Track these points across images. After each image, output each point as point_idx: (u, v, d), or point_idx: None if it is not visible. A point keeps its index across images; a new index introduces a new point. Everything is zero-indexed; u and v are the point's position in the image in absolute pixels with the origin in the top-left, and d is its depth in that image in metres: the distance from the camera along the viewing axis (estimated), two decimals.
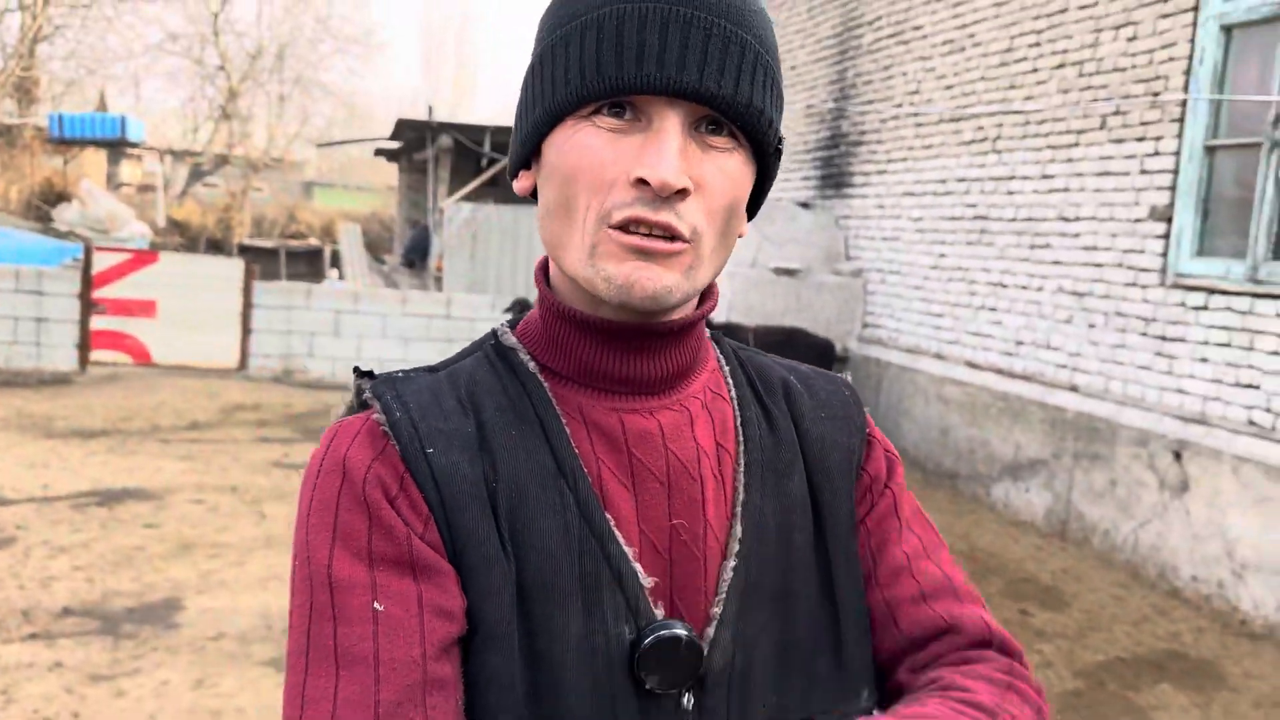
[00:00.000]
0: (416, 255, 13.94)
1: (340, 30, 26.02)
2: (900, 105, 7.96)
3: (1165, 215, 5.37)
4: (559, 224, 0.75)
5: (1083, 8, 6.03)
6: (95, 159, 22.05)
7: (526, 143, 0.77)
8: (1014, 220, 6.57)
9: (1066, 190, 6.11)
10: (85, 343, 9.20)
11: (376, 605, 0.69)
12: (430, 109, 15.12)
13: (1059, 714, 3.74)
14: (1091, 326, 5.86)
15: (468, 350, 0.85)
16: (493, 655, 0.72)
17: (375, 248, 20.39)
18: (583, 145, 0.72)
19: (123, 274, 9.29)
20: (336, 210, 25.02)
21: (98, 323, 9.23)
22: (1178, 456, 5.09)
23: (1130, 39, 5.64)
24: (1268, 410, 4.71)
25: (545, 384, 0.79)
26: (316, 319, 9.81)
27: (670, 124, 0.70)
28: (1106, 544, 5.54)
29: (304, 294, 9.92)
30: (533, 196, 0.80)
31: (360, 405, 0.79)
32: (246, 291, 9.58)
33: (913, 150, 7.77)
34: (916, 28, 7.81)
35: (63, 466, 6.44)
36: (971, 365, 6.89)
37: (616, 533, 0.75)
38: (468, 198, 12.32)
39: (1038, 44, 6.42)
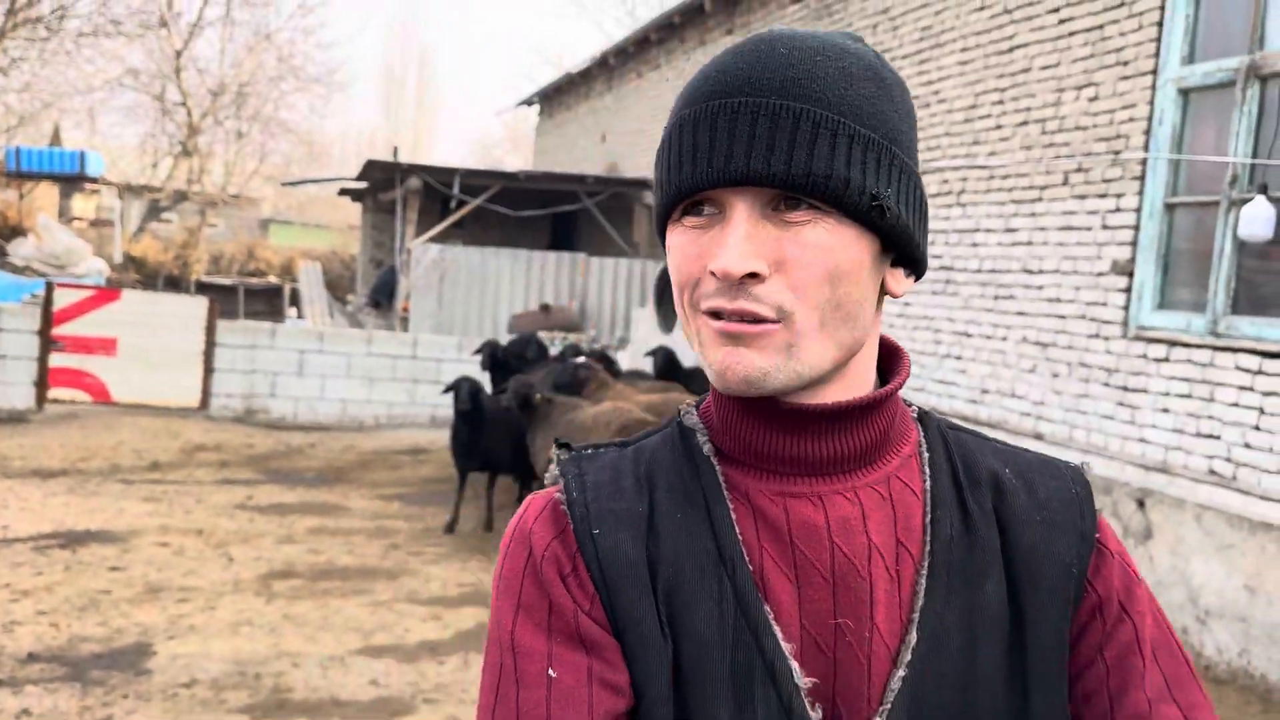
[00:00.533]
0: (383, 296, 13.90)
1: (302, 69, 25.92)
2: None
3: (1127, 270, 5.56)
4: (682, 317, 0.78)
5: (1045, 68, 6.27)
6: (48, 193, 21.73)
7: (659, 234, 0.81)
8: (979, 271, 6.75)
9: (1030, 244, 6.30)
10: (43, 380, 9.03)
11: (551, 673, 0.73)
12: (395, 150, 15.16)
13: None
14: (1055, 376, 6.02)
15: (659, 427, 0.86)
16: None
17: (336, 287, 20.26)
18: (675, 248, 0.77)
19: (84, 311, 9.15)
20: (295, 248, 24.85)
21: (56, 360, 9.07)
22: (1141, 505, 5.23)
23: (1092, 99, 5.87)
24: (1228, 460, 4.87)
25: (717, 467, 0.79)
26: (280, 358, 9.72)
27: (737, 213, 0.72)
28: None
29: (268, 333, 9.84)
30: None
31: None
32: (209, 330, 9.49)
33: None
34: None
35: (22, 507, 6.30)
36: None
37: (774, 625, 0.73)
38: (436, 239, 12.34)
39: (1001, 101, 6.64)
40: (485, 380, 7.59)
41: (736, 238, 0.71)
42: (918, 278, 0.81)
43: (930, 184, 7.31)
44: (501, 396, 6.39)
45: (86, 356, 9.14)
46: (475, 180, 12.35)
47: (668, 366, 7.64)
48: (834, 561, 0.75)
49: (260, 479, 7.54)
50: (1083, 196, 5.90)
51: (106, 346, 9.20)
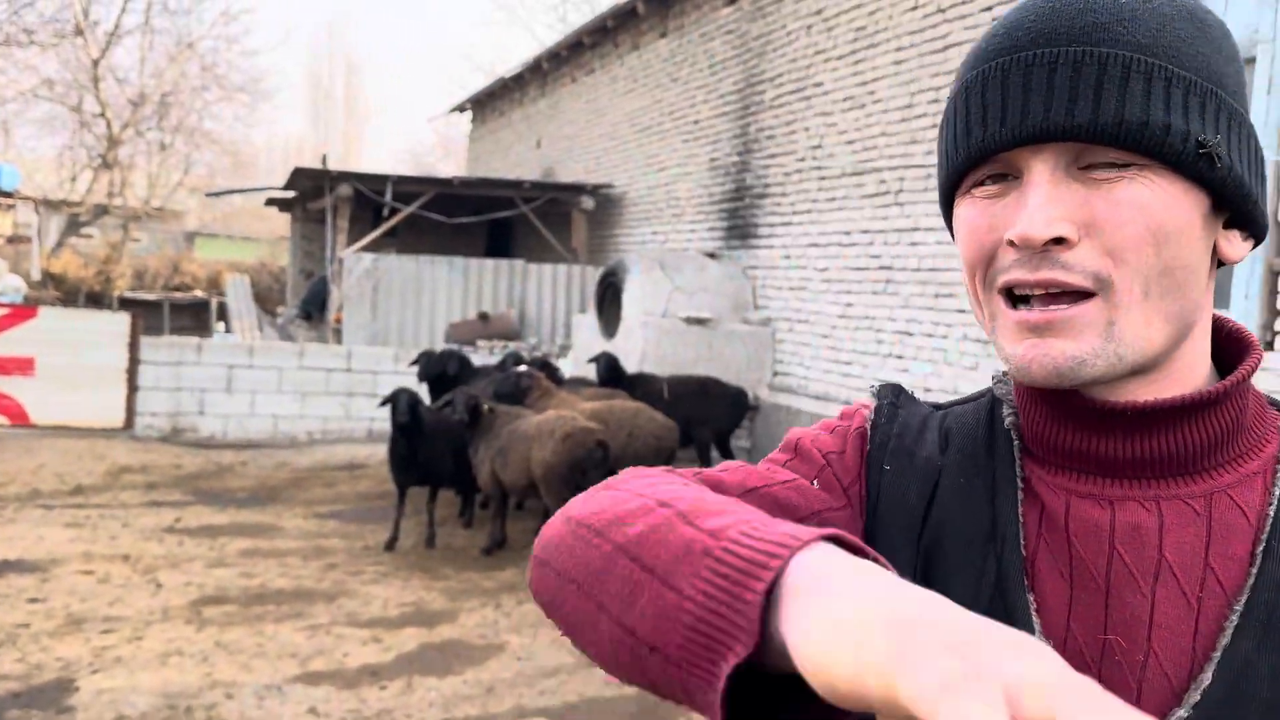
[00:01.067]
0: (314, 307, 13.56)
1: (227, 78, 25.29)
2: (803, 159, 8.16)
3: None
4: (972, 302, 0.71)
5: None
6: None
7: (945, 217, 0.74)
8: (918, 270, 6.77)
9: None
10: None
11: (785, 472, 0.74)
12: (324, 158, 14.84)
13: None
14: (900, 382, 6.05)
15: (981, 392, 0.80)
16: None
17: (265, 300, 19.77)
18: (964, 223, 0.68)
19: None
20: (222, 261, 24.23)
21: None
22: None
23: None
24: None
25: (1015, 443, 0.72)
26: (208, 375, 9.40)
27: (1036, 174, 0.64)
28: None
29: (194, 349, 9.51)
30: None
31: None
32: (133, 347, 9.13)
33: (817, 203, 7.95)
34: (818, 84, 8.04)
35: None
36: None
37: (1035, 619, 0.67)
38: (368, 248, 12.08)
39: (937, 100, 6.68)
40: (423, 391, 7.40)
41: (1039, 199, 0.63)
42: (1257, 241, 0.69)
43: (867, 184, 7.33)
44: (445, 409, 6.22)
45: (2, 378, 8.73)
46: (408, 187, 12.11)
47: (611, 373, 7.53)
48: (1110, 570, 0.66)
49: (189, 500, 7.26)
50: None
51: (23, 366, 8.79)
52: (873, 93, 7.35)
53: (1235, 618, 0.64)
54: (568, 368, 9.65)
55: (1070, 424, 0.68)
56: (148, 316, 12.05)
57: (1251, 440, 0.69)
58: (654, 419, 6.43)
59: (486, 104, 18.01)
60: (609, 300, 9.28)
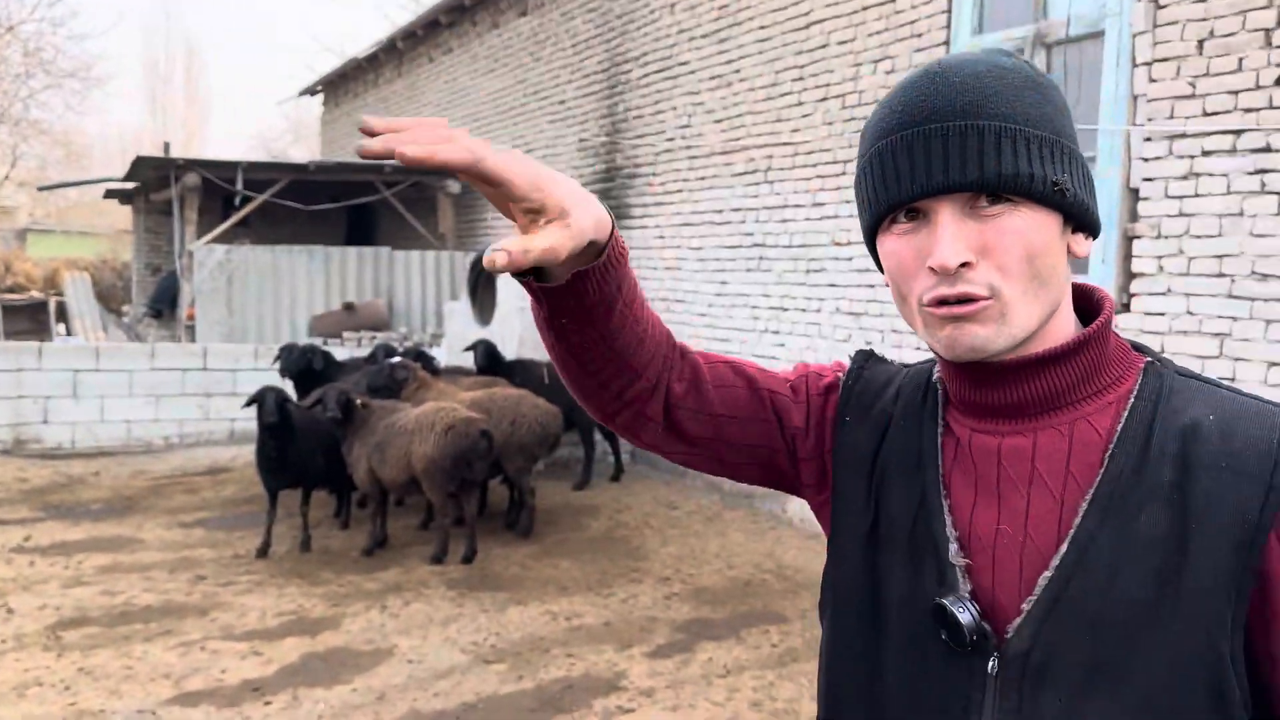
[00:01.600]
0: (164, 304, 12.80)
1: (54, 64, 23.54)
2: (671, 139, 8.15)
3: None
4: (901, 308, 0.95)
5: (842, 43, 6.41)
6: None
7: (869, 245, 0.98)
8: (790, 247, 6.85)
9: (837, 217, 6.45)
10: None
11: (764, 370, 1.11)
12: (167, 146, 14.02)
13: None
14: (869, 344, 6.19)
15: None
16: (845, 570, 1.02)
17: (108, 298, 18.60)
18: (890, 252, 0.93)
19: None
20: (58, 259, 22.65)
21: None
22: None
23: (889, 73, 6.04)
24: None
25: (941, 396, 1.00)
26: (51, 380, 8.75)
27: (942, 216, 0.88)
28: None
29: (34, 353, 8.83)
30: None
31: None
32: None
33: (688, 182, 7.96)
34: (683, 63, 8.03)
35: None
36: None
37: (947, 517, 0.95)
38: (220, 239, 11.46)
39: (801, 79, 6.75)
40: (288, 388, 7.07)
41: (947, 236, 0.87)
42: (1095, 237, 0.95)
43: (737, 163, 7.37)
44: (315, 407, 5.94)
45: None
46: (261, 174, 11.55)
47: (490, 360, 7.37)
48: (999, 480, 0.93)
49: (38, 516, 6.74)
50: None
51: None
52: (738, 71, 7.38)
53: (1084, 505, 0.88)
54: (442, 357, 9.40)
55: (970, 383, 0.95)
56: None
57: (1111, 377, 0.93)
58: (537, 405, 6.32)
59: (339, 86, 17.36)
60: (483, 286, 9.08)
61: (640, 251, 8.62)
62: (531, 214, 0.86)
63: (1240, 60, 4.25)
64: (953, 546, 0.93)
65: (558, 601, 5.16)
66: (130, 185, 14.58)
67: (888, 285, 0.96)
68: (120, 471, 8.11)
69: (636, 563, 5.81)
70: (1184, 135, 4.49)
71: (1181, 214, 4.52)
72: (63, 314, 15.92)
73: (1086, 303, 0.97)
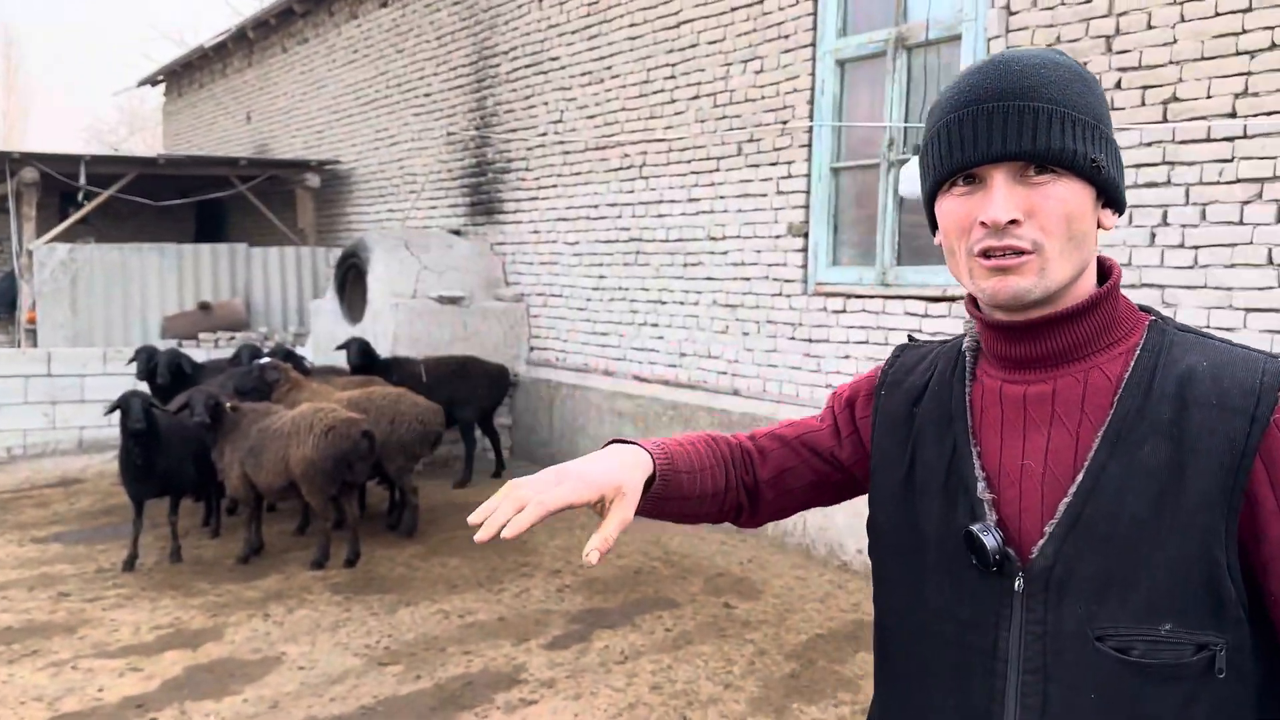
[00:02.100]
0: (2, 308, 11.94)
1: None
2: (544, 134, 8.16)
3: (802, 231, 5.99)
4: (951, 262, 1.12)
5: (712, 43, 6.57)
6: None
7: (929, 209, 1.15)
8: (666, 241, 6.98)
9: (712, 212, 6.61)
10: None
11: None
12: None
13: (785, 698, 4.01)
14: (746, 335, 6.38)
15: (967, 330, 1.20)
16: (885, 513, 1.20)
17: None
18: (948, 210, 1.09)
19: None
20: None
21: None
22: None
23: (758, 72, 6.23)
24: None
25: (969, 360, 1.18)
26: None
27: (996, 180, 1.04)
28: (779, 530, 6.06)
29: None
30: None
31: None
32: None
33: (562, 177, 7.99)
34: (554, 59, 8.05)
35: None
36: (640, 379, 7.22)
37: (975, 460, 1.11)
38: (61, 237, 10.76)
39: (673, 76, 6.88)
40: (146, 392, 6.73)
41: (1001, 196, 1.03)
42: (1121, 213, 1.11)
43: (611, 159, 7.45)
44: (182, 411, 5.69)
45: None
46: (105, 168, 10.90)
47: (364, 358, 7.21)
48: (1025, 422, 1.09)
49: None
50: (756, 165, 6.27)
51: None
52: (610, 68, 7.46)
53: (1097, 440, 1.04)
54: (308, 357, 9.13)
55: (1005, 339, 1.11)
56: None
57: (1122, 332, 1.10)
58: (417, 403, 6.24)
59: (183, 76, 16.54)
60: (351, 283, 8.86)
61: (514, 246, 8.60)
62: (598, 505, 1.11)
63: (1085, 64, 4.60)
64: (980, 484, 1.09)
65: (449, 600, 5.12)
66: None
67: (938, 244, 1.13)
68: None
69: (526, 557, 5.82)
70: None
71: None
72: None
73: (1100, 270, 1.13)
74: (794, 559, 5.79)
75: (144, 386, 6.96)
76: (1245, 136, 4.02)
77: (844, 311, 5.75)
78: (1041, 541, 1.05)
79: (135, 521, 5.72)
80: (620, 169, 7.37)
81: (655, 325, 7.11)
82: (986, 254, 1.04)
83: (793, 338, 6.08)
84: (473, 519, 1.06)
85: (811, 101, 5.92)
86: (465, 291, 8.31)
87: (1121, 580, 1.02)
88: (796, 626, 4.75)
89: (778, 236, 6.16)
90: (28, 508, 7.03)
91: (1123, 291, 1.12)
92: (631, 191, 7.28)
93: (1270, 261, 3.98)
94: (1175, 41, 4.21)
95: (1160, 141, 4.33)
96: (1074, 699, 1.03)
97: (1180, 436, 1.01)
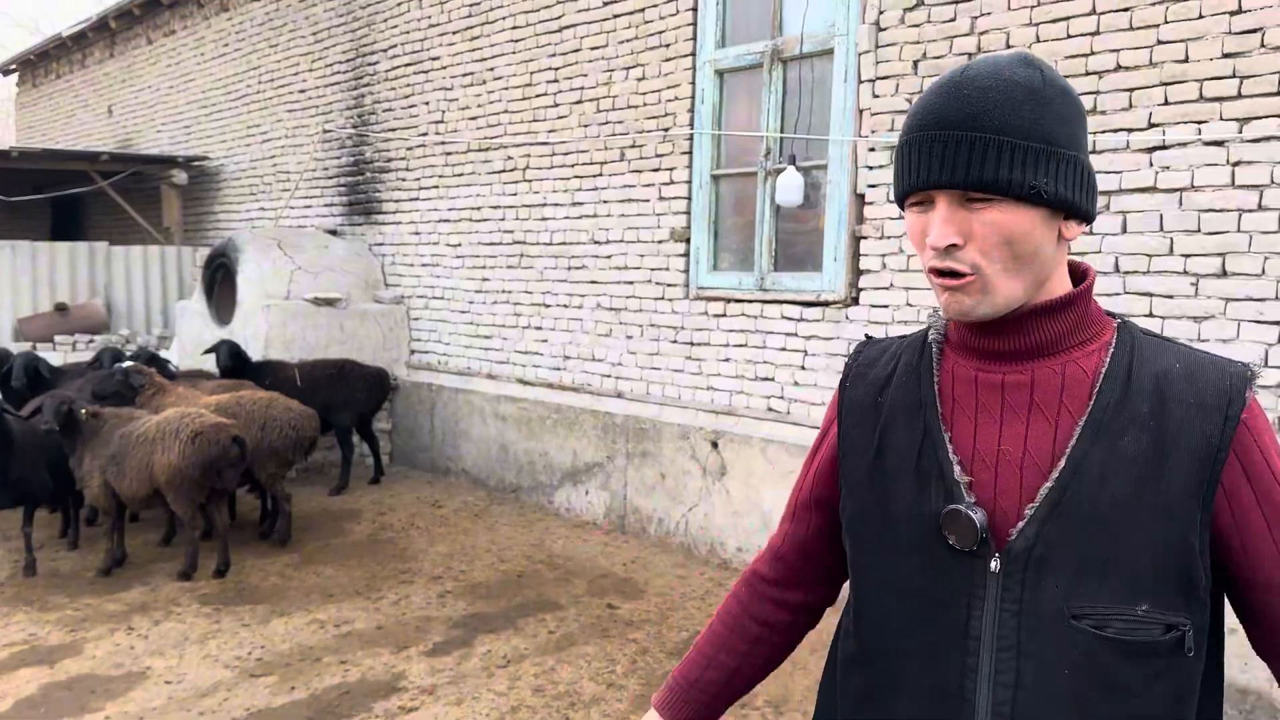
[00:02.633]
0: None
1: None
2: (425, 134, 8.05)
3: (684, 236, 6.09)
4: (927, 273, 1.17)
5: (594, 48, 6.61)
6: None
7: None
8: (550, 244, 6.99)
9: (595, 216, 6.65)
10: None
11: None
12: None
13: None
14: (629, 338, 6.44)
15: (931, 324, 1.26)
16: (857, 499, 1.24)
17: None
18: (909, 225, 1.17)
19: None
20: None
21: None
22: (715, 445, 5.80)
23: (640, 79, 6.30)
24: (782, 398, 5.57)
25: (936, 351, 1.22)
26: None
27: (940, 205, 1.11)
28: (662, 531, 6.13)
29: None
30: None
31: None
32: None
33: (444, 178, 7.90)
34: (434, 58, 7.96)
35: None
36: (524, 382, 7.20)
37: (948, 445, 1.16)
38: None
39: (556, 80, 6.90)
40: None
41: (940, 221, 1.11)
42: (1088, 223, 1.15)
43: (494, 161, 7.41)
44: (35, 417, 5.39)
45: None
46: None
47: (234, 361, 6.97)
48: (1002, 409, 1.14)
49: None
50: (639, 171, 6.34)
51: None
52: (492, 69, 7.42)
53: (1079, 429, 1.10)
54: (174, 360, 8.76)
55: (980, 333, 1.16)
56: None
57: (1093, 331, 1.16)
58: (290, 408, 6.07)
59: (38, 65, 15.66)
60: (220, 283, 8.55)
61: (394, 247, 8.45)
62: None
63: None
64: (957, 468, 1.14)
65: (324, 609, 5.00)
66: None
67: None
68: None
69: (405, 564, 5.73)
70: None
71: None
72: None
73: (1074, 273, 1.19)
74: (676, 558, 5.87)
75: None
76: (1094, 152, 4.29)
77: (724, 315, 5.87)
78: (1022, 523, 1.10)
79: None
80: (503, 171, 7.34)
81: (539, 328, 7.11)
82: (935, 272, 1.12)
83: (675, 341, 6.16)
84: None
85: (692, 110, 6.02)
86: (342, 293, 8.12)
87: (1102, 562, 1.07)
88: (678, 624, 4.82)
89: (660, 241, 6.24)
90: None
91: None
92: (515, 194, 7.25)
93: (1117, 269, 4.26)
94: None
95: None
96: (1047, 675, 1.08)
97: (1159, 430, 1.08)
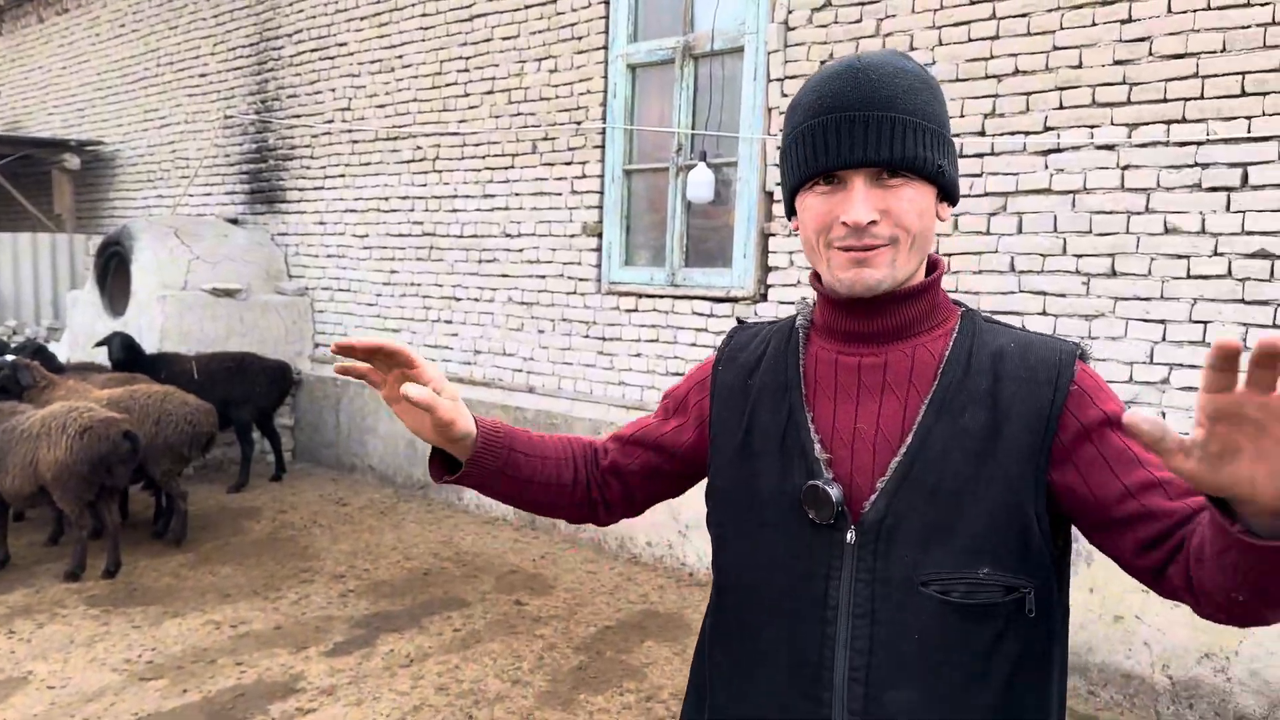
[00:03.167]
0: None
1: None
2: (331, 121, 7.86)
3: (596, 231, 6.06)
4: (810, 254, 1.23)
5: (506, 39, 6.53)
6: None
7: (790, 204, 1.26)
8: (461, 237, 6.89)
9: (507, 209, 6.58)
10: None
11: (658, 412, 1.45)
12: None
13: (572, 690, 4.04)
14: (541, 332, 6.39)
15: (799, 310, 1.33)
16: (724, 478, 1.29)
17: None
18: (811, 205, 1.20)
19: None
20: None
21: None
22: None
23: (552, 71, 6.25)
24: None
25: (802, 336, 1.29)
26: None
27: (856, 184, 1.16)
28: (572, 526, 6.10)
29: None
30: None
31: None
32: None
33: (350, 167, 7.72)
34: (341, 44, 7.77)
35: None
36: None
37: (810, 425, 1.22)
38: None
39: (467, 70, 6.80)
40: None
41: (860, 199, 1.15)
42: (954, 205, 1.24)
43: (403, 150, 7.28)
44: None
45: None
46: None
47: (127, 354, 6.69)
48: (859, 390, 1.21)
49: None
50: (551, 164, 6.29)
51: None
52: (401, 57, 7.28)
53: (925, 406, 1.18)
54: (63, 353, 8.39)
55: (845, 315, 1.23)
56: None
57: (942, 317, 1.24)
58: (187, 402, 5.85)
59: None
60: (114, 273, 8.21)
61: (298, 237, 8.23)
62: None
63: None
64: (817, 445, 1.20)
65: (220, 610, 4.84)
66: None
67: (796, 232, 1.26)
68: None
69: (306, 563, 5.58)
70: None
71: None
72: None
73: (931, 265, 1.28)
74: (586, 554, 5.85)
75: None
76: (993, 154, 4.41)
77: (636, 310, 5.87)
78: (874, 496, 1.16)
79: None
80: (412, 161, 7.21)
81: (449, 322, 7.00)
82: (846, 249, 1.16)
83: (587, 335, 6.14)
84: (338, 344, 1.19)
85: (605, 104, 6.00)
86: (243, 284, 7.87)
87: (945, 529, 1.14)
88: (586, 619, 4.80)
89: (573, 235, 6.20)
90: None
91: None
92: (424, 185, 7.13)
93: (1012, 269, 4.38)
94: (934, 63, 4.56)
95: None
96: (898, 640, 1.14)
97: (995, 404, 1.16)
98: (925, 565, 1.14)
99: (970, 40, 4.47)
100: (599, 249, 6.08)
